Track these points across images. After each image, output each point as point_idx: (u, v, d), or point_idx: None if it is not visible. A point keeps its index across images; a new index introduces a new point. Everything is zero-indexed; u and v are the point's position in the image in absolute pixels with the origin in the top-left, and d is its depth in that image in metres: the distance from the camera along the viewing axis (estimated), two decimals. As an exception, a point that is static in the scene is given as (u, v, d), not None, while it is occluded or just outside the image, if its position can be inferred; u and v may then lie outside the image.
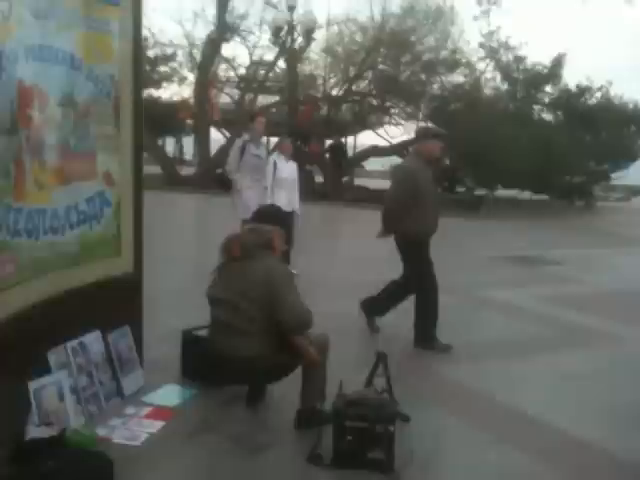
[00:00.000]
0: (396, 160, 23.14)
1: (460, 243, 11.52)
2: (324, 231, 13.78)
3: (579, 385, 4.60)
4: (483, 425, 3.84)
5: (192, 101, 22.09)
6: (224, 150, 21.33)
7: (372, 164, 26.99)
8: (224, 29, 21.05)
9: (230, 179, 7.70)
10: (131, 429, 3.40)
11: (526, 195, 20.82)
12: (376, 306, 5.49)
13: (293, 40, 19.04)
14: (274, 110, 22.35)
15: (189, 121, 24.30)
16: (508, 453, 3.45)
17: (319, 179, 20.03)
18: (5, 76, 2.85)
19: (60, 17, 3.23)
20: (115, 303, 3.79)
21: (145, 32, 22.67)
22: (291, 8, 18.52)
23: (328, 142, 21.16)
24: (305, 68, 21.69)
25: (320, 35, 20.72)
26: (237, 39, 22.61)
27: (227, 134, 22.64)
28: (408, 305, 5.27)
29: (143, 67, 4.01)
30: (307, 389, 3.52)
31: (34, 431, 3.01)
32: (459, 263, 9.29)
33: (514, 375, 4.76)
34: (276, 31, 18.59)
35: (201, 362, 3.80)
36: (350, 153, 22.38)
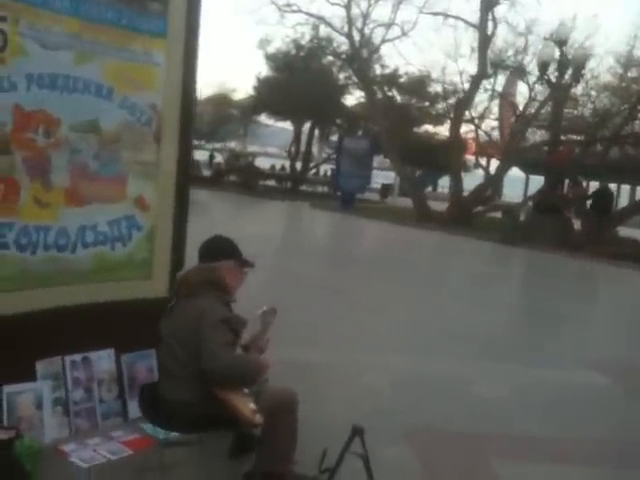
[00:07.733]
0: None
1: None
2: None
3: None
4: None
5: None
6: (480, 189, 20.73)
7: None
8: (496, 66, 20.59)
9: None
10: (97, 451, 3.39)
11: None
12: None
13: (562, 77, 17.77)
14: (546, 148, 21.08)
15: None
16: None
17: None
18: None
19: (80, 48, 3.44)
20: (142, 325, 3.86)
21: (427, 68, 23.90)
22: (562, 43, 17.35)
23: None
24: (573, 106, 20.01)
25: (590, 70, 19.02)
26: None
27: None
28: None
29: (194, 98, 4.07)
30: (263, 451, 3.15)
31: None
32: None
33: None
34: (542, 67, 17.53)
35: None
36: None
